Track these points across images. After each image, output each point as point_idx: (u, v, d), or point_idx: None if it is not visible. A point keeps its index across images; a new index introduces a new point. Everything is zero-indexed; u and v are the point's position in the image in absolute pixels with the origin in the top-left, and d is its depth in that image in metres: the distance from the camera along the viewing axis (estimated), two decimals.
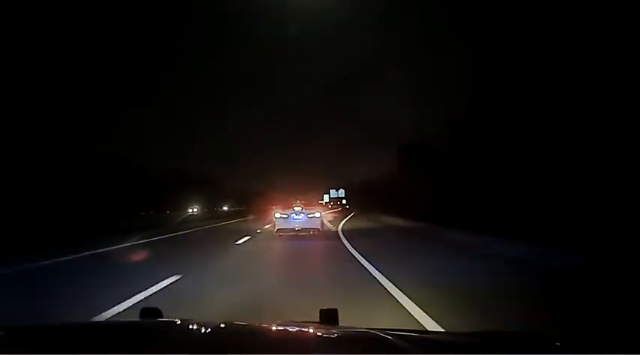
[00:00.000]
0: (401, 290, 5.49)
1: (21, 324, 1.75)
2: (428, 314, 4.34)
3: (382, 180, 41.97)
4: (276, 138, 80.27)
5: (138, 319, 1.82)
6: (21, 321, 2.01)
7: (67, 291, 6.09)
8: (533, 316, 4.19)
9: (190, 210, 43.83)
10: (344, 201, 71.07)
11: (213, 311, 4.73)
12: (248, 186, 67.51)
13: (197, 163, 69.46)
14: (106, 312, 4.65)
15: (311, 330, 1.65)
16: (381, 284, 6.12)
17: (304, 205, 15.55)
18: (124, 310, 4.79)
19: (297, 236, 14.58)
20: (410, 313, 4.50)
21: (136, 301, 5.19)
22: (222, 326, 1.64)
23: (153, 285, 6.08)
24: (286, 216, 15.07)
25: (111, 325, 2.76)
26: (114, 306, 4.87)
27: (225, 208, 63.40)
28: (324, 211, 20.11)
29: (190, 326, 1.64)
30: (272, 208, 19.36)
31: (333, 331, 1.60)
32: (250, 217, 34.59)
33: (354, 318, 3.09)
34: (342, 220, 26.95)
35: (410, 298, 5.06)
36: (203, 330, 1.61)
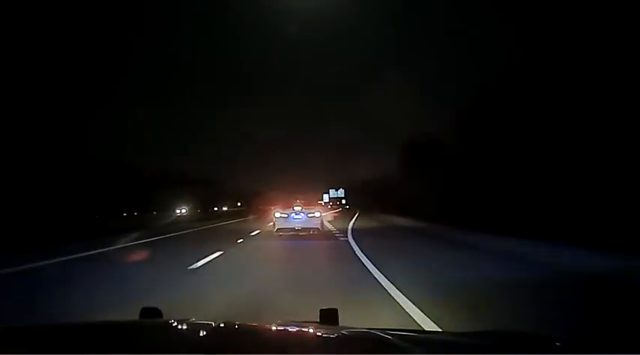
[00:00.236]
0: None
1: (21, 324, 1.75)
2: None
3: (383, 180, 41.93)
4: (275, 138, 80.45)
5: (138, 319, 1.82)
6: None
7: None
8: None
9: (178, 211, 41.95)
10: (344, 201, 71.09)
11: None
12: (247, 185, 67.71)
13: (197, 163, 69.64)
14: None
15: (311, 330, 1.65)
16: None
17: (304, 205, 15.51)
18: None
19: (298, 241, 14.32)
20: None
21: None
22: (222, 326, 1.64)
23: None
24: (286, 215, 15.04)
25: (111, 325, 2.76)
26: None
27: (225, 208, 63.51)
28: (324, 211, 19.96)
29: (190, 326, 1.64)
30: (271, 208, 19.33)
31: (333, 331, 1.60)
32: (250, 217, 34.33)
33: None
34: (349, 222, 24.07)
35: None
36: (203, 330, 1.61)
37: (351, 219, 27.18)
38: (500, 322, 4.06)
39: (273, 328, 1.68)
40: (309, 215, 14.99)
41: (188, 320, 1.68)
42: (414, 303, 4.87)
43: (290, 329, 1.68)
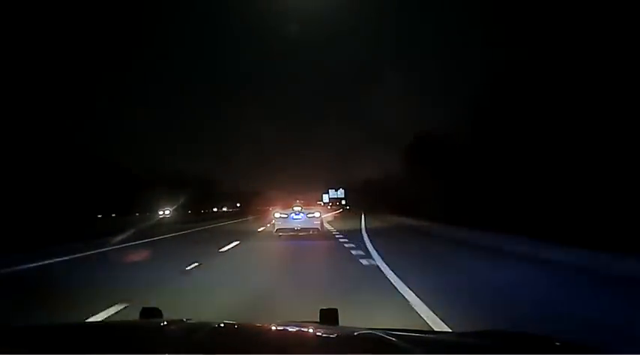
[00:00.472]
0: None
1: (21, 324, 1.75)
2: None
3: (384, 180, 41.72)
4: (275, 138, 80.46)
5: (138, 319, 1.82)
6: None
7: None
8: None
9: (162, 213, 37.66)
10: (343, 202, 70.93)
11: None
12: (246, 185, 67.63)
13: (197, 164, 69.49)
14: None
15: (311, 330, 1.65)
16: None
17: (304, 205, 15.52)
18: None
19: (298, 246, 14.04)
20: None
21: None
22: (222, 326, 1.64)
23: None
24: (286, 215, 15.04)
25: (111, 325, 2.76)
26: None
27: (224, 209, 63.61)
28: (323, 212, 19.89)
29: (190, 327, 1.64)
30: (271, 208, 19.33)
31: (333, 331, 1.60)
32: (250, 218, 34.18)
33: None
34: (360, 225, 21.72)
35: None
36: (203, 330, 1.61)
37: (361, 223, 23.82)
38: None
39: (273, 328, 1.68)
40: (308, 215, 14.99)
41: (188, 320, 1.68)
42: None
43: (290, 329, 1.68)
